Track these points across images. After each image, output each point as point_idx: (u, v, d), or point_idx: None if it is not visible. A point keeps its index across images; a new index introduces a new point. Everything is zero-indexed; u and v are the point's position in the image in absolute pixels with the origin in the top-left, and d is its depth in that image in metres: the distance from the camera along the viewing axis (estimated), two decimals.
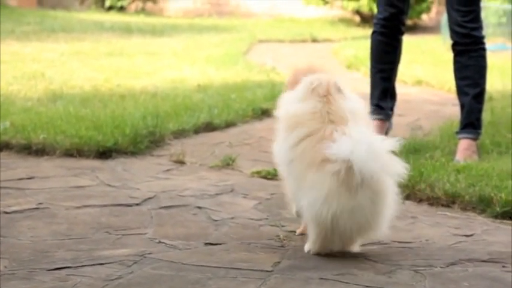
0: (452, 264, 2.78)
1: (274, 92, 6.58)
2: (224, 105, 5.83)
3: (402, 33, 4.72)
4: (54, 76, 7.10)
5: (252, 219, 3.28)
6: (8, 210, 3.27)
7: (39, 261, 2.63)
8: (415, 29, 15.13)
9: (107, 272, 2.54)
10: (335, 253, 2.85)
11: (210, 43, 11.13)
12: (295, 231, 3.11)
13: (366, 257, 2.82)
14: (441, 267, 2.74)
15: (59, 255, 2.70)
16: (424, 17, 16.29)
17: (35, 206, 3.35)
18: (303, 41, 13.03)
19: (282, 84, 7.10)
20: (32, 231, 2.98)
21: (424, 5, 15.51)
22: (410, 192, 3.72)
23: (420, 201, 3.68)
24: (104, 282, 2.45)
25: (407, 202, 3.68)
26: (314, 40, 13.15)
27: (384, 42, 4.70)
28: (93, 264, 2.61)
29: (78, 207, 3.34)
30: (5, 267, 2.56)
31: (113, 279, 2.47)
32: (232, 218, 3.29)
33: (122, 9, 17.65)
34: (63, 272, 2.53)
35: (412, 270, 2.69)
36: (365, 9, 15.73)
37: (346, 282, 2.54)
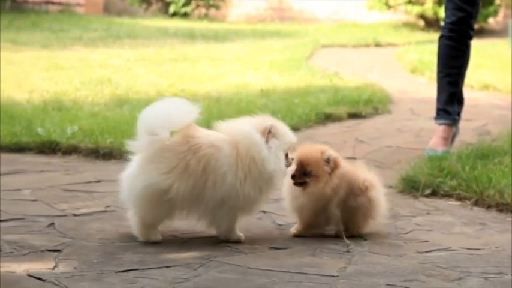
0: None
1: (337, 96, 6.56)
2: (287, 110, 5.83)
3: (471, 38, 4.63)
4: (120, 81, 7.23)
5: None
6: (76, 212, 3.33)
7: (108, 263, 2.67)
8: (481, 32, 14.85)
9: (174, 275, 2.56)
10: (403, 259, 2.81)
11: (273, 48, 11.16)
12: (361, 236, 3.08)
13: (434, 263, 2.77)
14: None
15: (127, 258, 2.73)
16: (491, 20, 15.98)
17: (103, 209, 3.41)
18: (366, 45, 12.95)
19: (345, 89, 7.11)
20: (100, 233, 3.03)
21: (491, 9, 15.22)
22: (478, 198, 3.65)
23: (489, 207, 3.60)
24: (170, 285, 2.46)
25: (476, 208, 3.61)
26: (377, 44, 13.06)
27: (452, 46, 4.62)
28: (160, 267, 2.64)
29: None
30: (75, 268, 2.61)
31: (179, 282, 2.49)
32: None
33: (185, 15, 17.85)
34: (131, 274, 2.56)
35: (482, 278, 2.63)
36: (429, 13, 15.52)
37: None
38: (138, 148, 2.86)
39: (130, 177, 2.86)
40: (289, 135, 2.91)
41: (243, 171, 2.83)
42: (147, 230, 2.91)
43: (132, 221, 2.95)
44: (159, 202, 2.82)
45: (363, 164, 3.23)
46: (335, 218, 3.04)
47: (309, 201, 2.99)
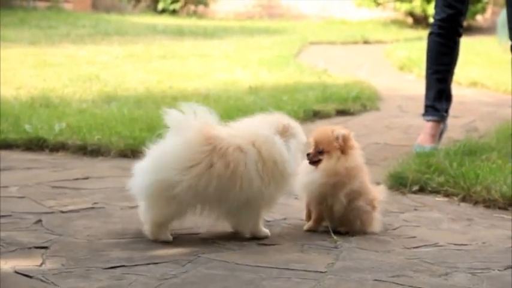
0: (510, 267, 2.72)
1: (325, 93, 6.57)
2: (276, 107, 5.79)
3: (460, 35, 4.65)
4: (108, 78, 7.21)
5: (304, 220, 3.26)
6: (64, 209, 3.32)
7: (95, 259, 2.66)
8: (469, 30, 14.90)
9: (162, 271, 2.56)
10: (390, 254, 2.82)
11: (262, 45, 11.16)
12: (348, 232, 3.09)
13: (421, 259, 2.78)
14: (499, 270, 2.69)
15: (115, 254, 2.73)
16: (479, 17, 16.05)
17: (90, 206, 3.40)
18: (355, 42, 12.97)
19: (334, 86, 7.12)
20: (88, 230, 3.02)
21: (479, 6, 15.28)
22: (465, 194, 3.67)
23: (476, 203, 3.62)
24: (158, 281, 2.46)
25: (463, 204, 3.63)
26: (366, 42, 13.09)
27: (441, 43, 4.63)
28: (148, 264, 2.63)
29: (133, 207, 3.36)
30: (62, 265, 2.60)
31: (167, 278, 2.49)
32: (284, 219, 3.28)
33: (174, 12, 17.82)
34: (119, 270, 2.56)
35: (469, 273, 2.64)
36: (418, 11, 15.56)
37: (401, 284, 2.50)
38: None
39: (142, 174, 2.83)
40: (303, 134, 2.97)
41: (267, 175, 2.85)
42: (159, 229, 2.88)
43: (142, 218, 2.93)
44: (171, 200, 2.80)
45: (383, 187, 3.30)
46: (339, 207, 3.05)
47: (321, 176, 3.03)
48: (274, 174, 2.86)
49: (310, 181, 3.06)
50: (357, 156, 3.10)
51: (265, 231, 2.99)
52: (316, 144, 3.08)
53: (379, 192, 3.21)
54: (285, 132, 2.88)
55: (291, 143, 2.90)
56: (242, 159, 2.81)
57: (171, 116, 2.84)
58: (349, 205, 3.07)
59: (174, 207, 2.83)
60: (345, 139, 3.06)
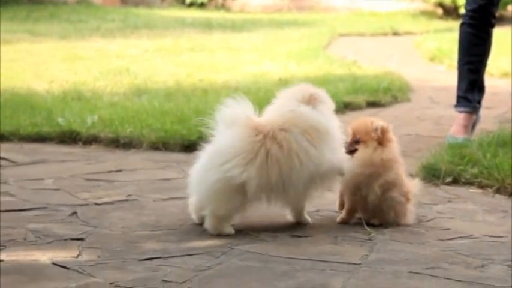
0: None
1: (356, 85, 6.53)
2: None
3: (492, 26, 4.59)
4: (138, 71, 7.24)
5: (337, 212, 3.25)
6: (98, 201, 3.35)
7: (130, 251, 2.69)
8: (501, 20, 14.69)
9: (196, 263, 2.57)
10: (425, 246, 2.80)
11: (290, 38, 11.13)
12: (382, 224, 3.08)
13: (456, 251, 2.76)
14: None
15: (149, 246, 2.75)
16: (510, 7, 15.83)
17: (124, 198, 3.42)
18: (384, 34, 12.87)
19: (364, 78, 7.08)
20: (122, 222, 3.05)
21: None
22: (500, 185, 3.63)
23: (511, 195, 3.58)
24: (193, 273, 2.48)
25: (498, 196, 3.59)
26: (395, 33, 12.98)
27: (473, 34, 4.58)
28: (183, 255, 2.65)
29: (166, 199, 3.40)
30: (98, 256, 2.62)
31: (202, 270, 2.50)
32: (317, 211, 3.28)
33: (202, 5, 17.83)
34: (154, 262, 2.58)
35: (504, 265, 2.62)
36: (448, 1, 15.39)
37: (437, 276, 2.49)
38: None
39: (203, 170, 2.85)
40: (329, 99, 3.02)
41: (318, 142, 2.88)
42: (221, 223, 2.88)
43: (195, 213, 2.98)
44: (236, 195, 2.82)
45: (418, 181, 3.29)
46: (373, 197, 3.04)
47: (356, 165, 3.04)
48: (322, 139, 2.89)
49: (346, 171, 3.05)
50: (394, 148, 3.10)
51: (308, 218, 3.07)
52: (354, 133, 3.09)
53: (414, 186, 3.19)
54: (311, 101, 2.92)
55: (320, 109, 2.94)
56: (290, 137, 2.84)
57: (222, 112, 2.86)
58: (383, 196, 3.06)
59: (240, 201, 2.85)
60: (384, 131, 3.06)
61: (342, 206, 3.18)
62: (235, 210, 2.90)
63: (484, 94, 4.75)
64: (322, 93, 2.99)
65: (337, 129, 2.98)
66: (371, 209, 3.08)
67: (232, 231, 2.90)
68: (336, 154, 2.97)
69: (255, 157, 2.80)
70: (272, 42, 10.48)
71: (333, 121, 2.98)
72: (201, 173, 2.86)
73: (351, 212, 3.12)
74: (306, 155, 2.86)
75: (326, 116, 2.95)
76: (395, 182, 3.07)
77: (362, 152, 3.05)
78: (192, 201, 2.99)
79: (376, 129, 3.06)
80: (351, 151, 3.08)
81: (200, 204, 2.92)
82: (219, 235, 2.86)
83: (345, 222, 3.11)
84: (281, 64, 8.07)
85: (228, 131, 2.85)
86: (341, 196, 3.17)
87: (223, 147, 2.83)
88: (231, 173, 2.79)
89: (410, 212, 3.14)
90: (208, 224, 2.89)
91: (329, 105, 3.00)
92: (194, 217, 3.01)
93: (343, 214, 3.14)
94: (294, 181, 2.87)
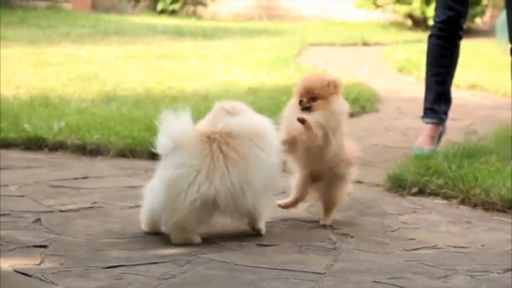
0: (510, 270, 2.72)
1: None
2: (275, 107, 5.79)
3: (460, 38, 4.65)
4: (107, 78, 7.20)
5: (303, 221, 3.27)
6: (63, 208, 3.32)
7: (94, 259, 2.67)
8: (468, 32, 14.86)
9: (161, 271, 2.56)
10: (389, 256, 2.82)
11: (261, 46, 11.15)
12: (347, 234, 3.10)
13: (420, 261, 2.79)
14: (498, 273, 2.69)
15: (114, 254, 2.73)
16: (478, 20, 16.05)
17: (90, 205, 3.40)
18: (354, 44, 12.96)
19: None
20: (87, 229, 3.02)
21: (478, 9, 15.28)
22: (464, 197, 3.67)
23: (475, 206, 3.62)
24: (157, 281, 2.46)
25: (462, 207, 3.63)
26: (365, 44, 13.07)
27: (441, 45, 4.63)
28: (147, 263, 2.64)
29: (132, 207, 3.37)
30: (61, 264, 2.60)
31: (166, 278, 2.49)
32: (284, 220, 3.28)
33: (173, 12, 17.81)
34: (118, 270, 2.56)
35: (468, 276, 2.65)
36: (417, 13, 15.56)
37: (400, 286, 2.51)
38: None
39: (172, 192, 2.79)
40: (250, 109, 3.04)
41: (262, 148, 2.91)
42: (189, 234, 2.87)
43: (146, 220, 2.97)
44: (209, 209, 2.83)
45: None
46: (332, 149, 3.07)
47: (315, 119, 3.03)
48: (265, 143, 2.92)
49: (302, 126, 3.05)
50: (341, 108, 3.14)
51: (263, 227, 3.07)
52: (308, 89, 3.07)
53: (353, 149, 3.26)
54: (236, 111, 2.94)
55: (246, 115, 2.97)
56: (241, 142, 2.86)
57: (165, 127, 2.83)
58: (330, 175, 3.14)
59: (212, 213, 2.87)
60: (336, 86, 3.10)
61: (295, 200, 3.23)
62: (202, 222, 2.89)
63: (450, 106, 4.81)
64: (242, 105, 3.02)
65: (270, 127, 2.99)
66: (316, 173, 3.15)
67: (200, 240, 2.89)
68: (279, 155, 3.00)
69: (214, 166, 2.80)
70: (243, 50, 10.50)
71: (264, 120, 3.00)
72: (166, 202, 2.80)
73: (301, 197, 3.20)
74: (258, 158, 2.88)
75: (255, 118, 2.98)
76: (339, 154, 3.13)
77: (323, 108, 3.05)
78: (147, 212, 2.95)
79: (329, 84, 3.08)
80: (307, 108, 3.07)
81: (158, 218, 2.89)
82: (185, 244, 2.85)
83: (288, 207, 3.20)
84: (251, 72, 8.08)
85: (181, 147, 2.80)
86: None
87: (182, 171, 2.78)
88: (201, 191, 2.78)
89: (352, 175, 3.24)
90: (174, 236, 2.87)
91: (250, 109, 3.03)
92: (146, 227, 2.99)
93: (291, 198, 3.21)
94: (251, 182, 2.87)
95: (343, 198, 3.27)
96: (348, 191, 3.28)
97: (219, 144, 2.83)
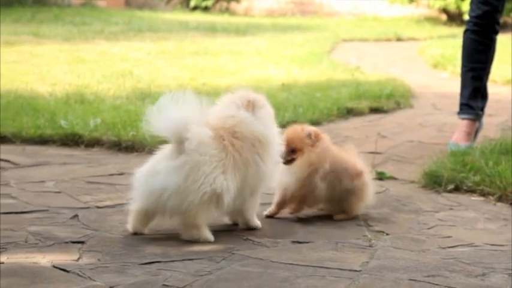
0: None
1: (359, 91, 6.54)
2: (309, 104, 5.82)
3: (496, 32, 4.59)
4: (141, 75, 7.25)
5: (334, 219, 3.25)
6: (100, 205, 3.35)
7: (131, 255, 2.68)
8: (505, 27, 14.70)
9: (197, 268, 2.57)
10: (426, 254, 2.80)
11: (294, 42, 11.14)
12: (383, 231, 3.08)
13: (457, 259, 2.76)
14: None
15: (150, 250, 2.74)
16: None
17: (125, 201, 3.40)
18: (388, 40, 12.89)
19: (367, 83, 7.08)
20: (123, 225, 3.03)
21: None
22: (502, 193, 3.63)
23: None
24: (193, 277, 2.47)
25: (499, 204, 3.59)
26: (399, 39, 12.99)
27: (477, 41, 4.58)
28: (183, 260, 2.65)
29: None
30: (99, 260, 2.62)
31: (202, 275, 2.50)
32: (318, 217, 3.28)
33: (206, 9, 17.86)
34: (154, 266, 2.58)
35: (505, 274, 2.61)
36: (452, 8, 15.41)
37: (437, 284, 2.48)
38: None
39: (183, 184, 2.77)
40: (269, 105, 3.01)
41: (261, 156, 2.91)
42: (202, 231, 2.86)
43: (136, 218, 2.93)
44: (215, 204, 2.83)
45: (354, 148, 3.38)
46: (321, 192, 3.15)
47: (295, 172, 3.12)
48: (266, 151, 2.92)
49: (287, 182, 3.15)
50: (324, 142, 3.17)
51: (258, 222, 3.06)
52: (288, 143, 3.14)
53: (363, 164, 3.29)
54: (251, 106, 2.92)
55: (260, 114, 2.93)
56: (245, 146, 2.87)
57: (174, 117, 2.80)
58: (336, 188, 3.16)
59: (217, 208, 2.86)
60: (316, 135, 3.15)
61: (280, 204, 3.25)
62: (209, 218, 2.88)
63: (487, 101, 4.75)
64: (261, 99, 2.99)
65: (276, 137, 2.99)
66: (329, 202, 3.21)
67: (212, 238, 2.87)
68: (274, 166, 3.01)
69: (227, 164, 2.82)
70: (276, 46, 10.49)
71: (272, 128, 2.98)
72: (183, 185, 2.77)
73: (281, 206, 3.22)
74: (256, 166, 2.89)
75: (266, 123, 2.95)
76: (335, 169, 3.16)
77: (301, 160, 3.12)
78: (137, 209, 2.90)
79: (309, 135, 3.13)
80: (289, 161, 3.14)
81: (152, 214, 2.88)
82: (221, 236, 2.88)
83: (271, 216, 3.22)
84: (284, 69, 8.08)
85: (194, 139, 2.77)
86: (282, 197, 3.22)
87: (206, 158, 2.78)
88: (215, 184, 2.78)
89: (370, 194, 3.27)
90: (186, 234, 2.85)
91: (269, 110, 2.99)
92: (131, 227, 2.92)
93: (272, 207, 3.23)
94: (246, 187, 2.90)
95: (357, 210, 3.26)
96: (365, 203, 3.27)
97: (229, 143, 2.83)
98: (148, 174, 2.85)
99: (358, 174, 3.23)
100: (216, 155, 2.80)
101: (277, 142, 2.99)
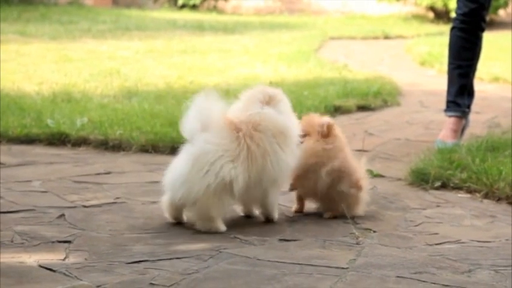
0: None
1: (346, 89, 6.54)
2: (296, 102, 5.79)
3: (482, 30, 4.60)
4: (129, 73, 7.23)
5: (326, 216, 3.25)
6: (86, 204, 3.34)
7: (118, 254, 2.68)
8: (491, 24, 14.74)
9: (184, 266, 2.56)
10: (413, 251, 2.81)
11: (282, 40, 11.14)
12: (370, 229, 3.09)
13: (444, 255, 2.77)
14: None
15: (137, 249, 2.74)
16: (501, 12, 15.90)
17: (112, 201, 3.41)
18: (375, 37, 12.90)
19: (354, 81, 7.09)
20: (110, 225, 3.04)
21: (501, 0, 15.13)
22: (488, 190, 3.64)
23: (499, 200, 3.60)
24: (181, 276, 2.47)
25: (486, 201, 3.60)
26: (386, 37, 13.00)
27: (463, 38, 4.60)
28: (171, 258, 2.64)
29: (154, 202, 3.38)
30: (85, 259, 2.62)
31: (190, 273, 2.50)
32: (305, 215, 3.28)
33: (194, 7, 17.83)
34: (141, 265, 2.57)
35: (492, 270, 2.62)
36: (439, 5, 15.44)
37: (424, 281, 2.49)
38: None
39: (192, 172, 2.85)
40: (286, 98, 3.10)
41: (284, 146, 2.98)
42: (214, 222, 2.93)
43: (168, 208, 3.02)
44: (226, 193, 2.89)
45: (365, 161, 3.41)
46: (323, 185, 3.17)
47: (301, 157, 3.13)
48: (287, 143, 2.99)
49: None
50: (338, 140, 3.22)
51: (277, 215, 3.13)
52: (302, 128, 3.18)
53: (363, 172, 3.31)
54: (271, 101, 2.99)
55: (280, 108, 3.02)
56: (264, 138, 2.92)
57: (197, 110, 2.89)
58: (332, 186, 3.17)
59: (229, 199, 2.93)
60: (329, 127, 3.19)
61: (300, 199, 3.29)
62: (224, 208, 2.96)
63: (473, 99, 4.77)
64: (279, 93, 3.07)
65: (295, 128, 3.06)
66: (321, 198, 3.22)
67: (225, 228, 2.95)
68: (295, 157, 3.06)
69: (239, 154, 2.87)
70: (263, 44, 10.49)
71: (292, 119, 3.07)
72: (189, 174, 2.86)
73: (301, 199, 3.27)
74: (276, 157, 2.95)
75: (286, 115, 3.03)
76: (342, 170, 3.18)
77: (306, 143, 3.17)
78: (167, 200, 3.01)
79: (322, 125, 3.18)
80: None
81: (180, 204, 2.95)
82: (209, 235, 2.90)
83: (299, 211, 3.26)
84: (272, 67, 8.08)
85: (209, 129, 2.87)
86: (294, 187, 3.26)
87: (210, 146, 2.85)
88: (222, 172, 2.83)
89: (363, 201, 3.27)
90: (200, 224, 2.93)
91: (287, 102, 3.08)
92: (169, 216, 3.05)
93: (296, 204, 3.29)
94: (263, 180, 2.95)
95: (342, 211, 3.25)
96: (354, 212, 3.26)
97: (245, 135, 2.89)
98: (171, 166, 2.98)
99: (358, 185, 3.23)
100: (224, 144, 2.86)
101: (296, 132, 3.06)
